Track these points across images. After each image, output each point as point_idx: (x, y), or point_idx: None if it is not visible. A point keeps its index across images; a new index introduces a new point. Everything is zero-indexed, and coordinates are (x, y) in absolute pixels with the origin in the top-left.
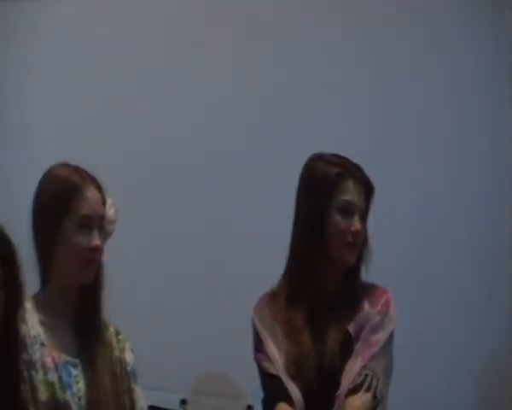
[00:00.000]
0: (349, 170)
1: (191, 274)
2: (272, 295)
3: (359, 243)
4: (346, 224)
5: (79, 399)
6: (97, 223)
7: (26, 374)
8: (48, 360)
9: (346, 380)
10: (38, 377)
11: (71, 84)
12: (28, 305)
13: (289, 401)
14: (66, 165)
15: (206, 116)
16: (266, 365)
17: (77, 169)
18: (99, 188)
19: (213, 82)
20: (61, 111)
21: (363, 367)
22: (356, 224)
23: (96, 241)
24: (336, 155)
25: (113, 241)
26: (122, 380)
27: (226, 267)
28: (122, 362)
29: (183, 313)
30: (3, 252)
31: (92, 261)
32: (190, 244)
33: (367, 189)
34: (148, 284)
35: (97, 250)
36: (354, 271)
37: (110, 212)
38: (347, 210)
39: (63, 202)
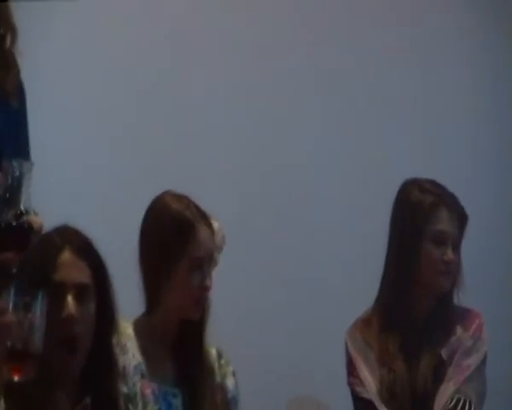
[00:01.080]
0: (443, 199)
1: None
2: (365, 321)
3: (453, 271)
4: (439, 253)
5: None
6: (209, 261)
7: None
8: (147, 391)
9: (439, 405)
10: None
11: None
12: (129, 330)
13: None
14: (177, 198)
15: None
16: (359, 389)
17: (188, 204)
18: (209, 224)
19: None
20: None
21: (456, 391)
22: (448, 253)
23: (209, 281)
24: (432, 182)
25: None
26: (222, 408)
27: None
28: (223, 389)
29: (274, 340)
30: (95, 265)
31: (203, 299)
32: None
33: (461, 218)
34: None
35: (208, 289)
36: (447, 296)
37: (218, 239)
38: (440, 240)
39: (178, 244)
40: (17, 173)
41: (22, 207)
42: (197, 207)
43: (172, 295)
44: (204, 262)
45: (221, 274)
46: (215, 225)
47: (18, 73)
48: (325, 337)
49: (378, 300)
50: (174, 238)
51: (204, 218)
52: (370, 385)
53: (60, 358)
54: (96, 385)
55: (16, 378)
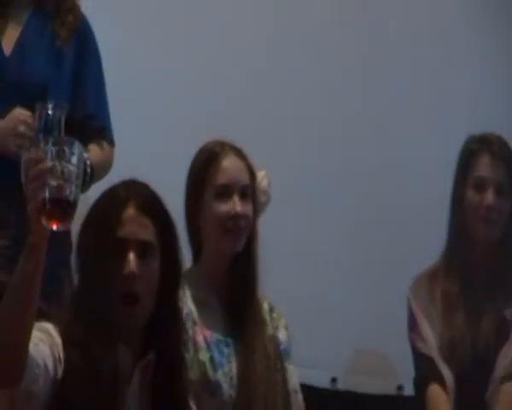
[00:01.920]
0: (486, 145)
1: (341, 251)
2: (429, 276)
3: (495, 219)
4: (479, 199)
5: (231, 379)
6: (239, 191)
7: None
8: (199, 338)
9: (501, 365)
10: (189, 356)
11: None
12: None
13: (441, 382)
14: (214, 140)
15: None
16: (419, 345)
17: (221, 142)
18: (241, 157)
19: None
20: None
21: None
22: (489, 198)
23: (238, 208)
24: (488, 133)
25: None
26: (275, 359)
27: (377, 246)
28: (275, 341)
29: (333, 292)
30: (160, 221)
31: (236, 229)
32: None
33: (508, 164)
34: (297, 258)
35: (239, 217)
36: (502, 250)
37: (262, 183)
38: (481, 186)
39: (201, 172)
40: (51, 116)
41: None
42: (230, 144)
43: (207, 228)
44: (232, 190)
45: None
46: (261, 173)
47: (76, 20)
48: (389, 290)
49: (442, 254)
50: (198, 168)
51: (233, 149)
52: (431, 341)
53: (121, 312)
54: (160, 341)
55: (54, 227)
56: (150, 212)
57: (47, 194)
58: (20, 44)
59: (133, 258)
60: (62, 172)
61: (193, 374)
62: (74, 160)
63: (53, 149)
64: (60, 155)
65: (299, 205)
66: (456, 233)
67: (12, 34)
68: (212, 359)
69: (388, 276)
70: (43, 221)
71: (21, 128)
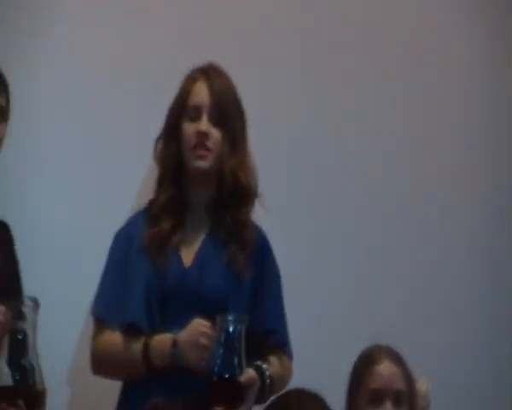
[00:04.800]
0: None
1: None
2: None
3: None
4: None
5: None
6: (393, 396)
7: None
8: None
9: None
10: None
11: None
12: None
13: None
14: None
15: None
16: None
17: (378, 346)
18: (397, 362)
19: None
20: None
21: None
22: None
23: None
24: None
25: None
26: None
27: None
28: None
29: None
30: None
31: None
32: None
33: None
34: None
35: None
36: None
37: (422, 389)
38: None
39: (356, 376)
40: (232, 328)
41: (236, 363)
42: (387, 349)
43: None
44: (384, 395)
45: None
46: (420, 379)
47: (252, 240)
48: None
49: None
50: (355, 372)
51: (389, 354)
52: None
53: None
54: None
55: None
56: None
57: None
58: (199, 258)
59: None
60: None
61: None
62: None
63: None
64: None
65: None
66: None
67: (191, 246)
68: None
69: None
70: None
71: (203, 340)
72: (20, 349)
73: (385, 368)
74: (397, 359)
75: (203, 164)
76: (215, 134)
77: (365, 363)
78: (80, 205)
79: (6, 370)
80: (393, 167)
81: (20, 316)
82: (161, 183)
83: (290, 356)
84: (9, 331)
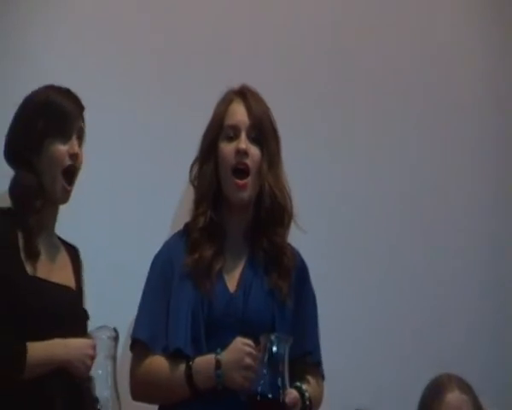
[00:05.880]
0: None
1: None
2: None
3: None
4: None
5: None
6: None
7: None
8: None
9: None
10: None
11: None
12: None
13: None
14: None
15: None
16: None
17: (448, 375)
18: (466, 391)
19: None
20: None
21: None
22: None
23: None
24: None
25: None
26: None
27: None
28: None
29: None
30: None
31: None
32: None
33: None
34: None
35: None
36: None
37: None
38: None
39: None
40: (275, 349)
41: (280, 383)
42: (457, 378)
43: None
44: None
45: None
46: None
47: (291, 264)
48: None
49: None
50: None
51: (459, 383)
52: None
53: None
54: None
55: None
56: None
57: None
58: (243, 284)
59: None
60: None
61: None
62: None
63: None
64: None
65: None
66: None
67: (232, 272)
68: None
69: None
70: None
71: (247, 360)
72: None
73: (454, 397)
74: (466, 387)
75: (242, 195)
76: (254, 153)
77: (435, 392)
78: (120, 227)
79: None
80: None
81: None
82: (198, 205)
83: (323, 376)
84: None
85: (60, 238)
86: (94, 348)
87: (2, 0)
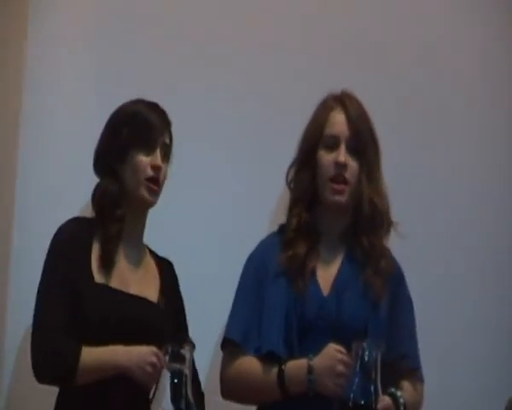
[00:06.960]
0: None
1: None
2: None
3: None
4: None
5: None
6: None
7: None
8: None
9: None
10: None
11: None
12: None
13: None
14: None
15: None
16: None
17: None
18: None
19: None
20: None
21: None
22: None
23: None
24: None
25: None
26: None
27: None
28: None
29: None
30: None
31: None
32: None
33: None
34: None
35: None
36: None
37: None
38: None
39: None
40: (367, 356)
41: (372, 390)
42: None
43: None
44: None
45: None
46: None
47: (388, 266)
48: None
49: None
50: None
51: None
52: None
53: None
54: None
55: None
56: None
57: None
58: (337, 285)
59: None
60: None
61: None
62: None
63: None
64: None
65: None
66: None
67: (327, 271)
68: None
69: None
70: None
71: (340, 368)
72: (179, 389)
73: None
74: None
75: (340, 199)
76: (353, 165)
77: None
78: (216, 227)
79: (170, 407)
80: None
81: (179, 358)
82: (293, 208)
83: (422, 381)
84: (171, 372)
85: (151, 251)
86: (157, 355)
87: None
